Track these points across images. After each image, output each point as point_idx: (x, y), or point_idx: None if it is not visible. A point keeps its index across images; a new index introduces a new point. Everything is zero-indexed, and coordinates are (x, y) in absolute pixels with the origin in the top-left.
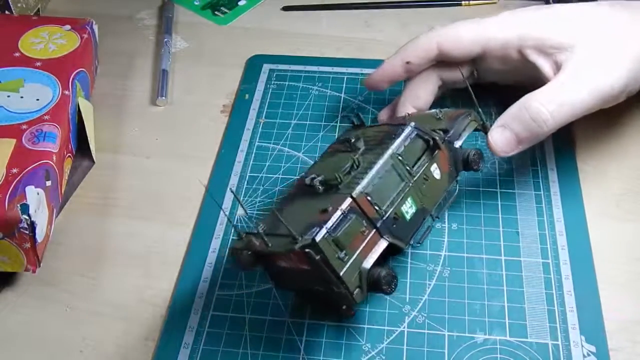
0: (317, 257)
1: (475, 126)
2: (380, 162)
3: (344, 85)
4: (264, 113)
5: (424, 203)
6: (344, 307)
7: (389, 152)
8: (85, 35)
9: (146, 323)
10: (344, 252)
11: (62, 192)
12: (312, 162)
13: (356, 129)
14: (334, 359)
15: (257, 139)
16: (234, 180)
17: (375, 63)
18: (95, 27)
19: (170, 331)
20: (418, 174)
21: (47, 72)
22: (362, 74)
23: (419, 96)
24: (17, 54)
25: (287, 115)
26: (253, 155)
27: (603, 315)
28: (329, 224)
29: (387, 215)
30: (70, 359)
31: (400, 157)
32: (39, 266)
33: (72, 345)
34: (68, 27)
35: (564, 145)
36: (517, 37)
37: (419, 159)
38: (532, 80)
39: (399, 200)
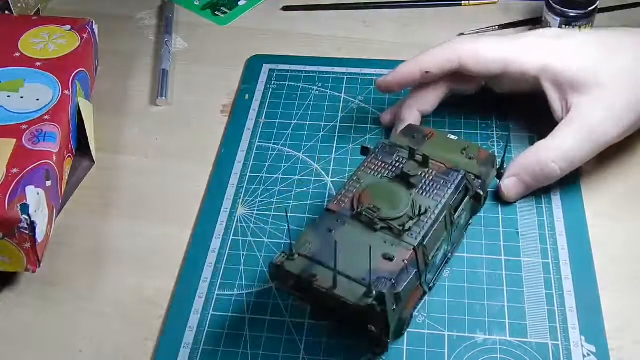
0: (379, 310)
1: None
2: (437, 212)
3: (344, 85)
4: (264, 113)
5: (449, 247)
6: (376, 349)
7: (445, 201)
8: (85, 35)
9: (146, 323)
10: (400, 304)
11: (62, 192)
12: (346, 174)
13: (392, 148)
14: (333, 359)
15: (257, 139)
16: (234, 180)
17: (375, 63)
18: (95, 27)
19: (170, 331)
20: (457, 223)
21: (47, 72)
22: (362, 74)
23: (427, 101)
24: (17, 54)
25: (287, 115)
26: (253, 155)
27: (603, 315)
28: (395, 276)
29: (430, 265)
30: (70, 359)
31: (450, 207)
32: (39, 266)
33: (72, 345)
34: (68, 27)
35: None
36: (540, 67)
37: (458, 206)
38: (538, 94)
39: (437, 248)
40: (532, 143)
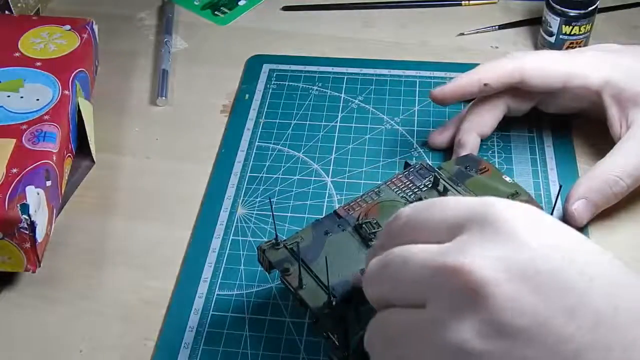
0: (333, 323)
1: None
2: None
3: (344, 85)
4: (264, 113)
5: None
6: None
7: None
8: (85, 35)
9: (146, 323)
10: (361, 323)
11: (62, 192)
12: (370, 186)
13: (428, 172)
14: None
15: (257, 139)
16: (234, 180)
17: (375, 63)
18: (95, 27)
19: (170, 331)
20: None
21: (47, 72)
22: (362, 74)
23: (486, 124)
24: (17, 54)
25: (287, 115)
26: (253, 155)
27: None
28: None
29: None
30: (70, 359)
31: None
32: (39, 266)
33: (72, 345)
34: (68, 27)
35: (564, 146)
36: (603, 82)
37: None
38: (592, 114)
39: None
40: (531, 142)
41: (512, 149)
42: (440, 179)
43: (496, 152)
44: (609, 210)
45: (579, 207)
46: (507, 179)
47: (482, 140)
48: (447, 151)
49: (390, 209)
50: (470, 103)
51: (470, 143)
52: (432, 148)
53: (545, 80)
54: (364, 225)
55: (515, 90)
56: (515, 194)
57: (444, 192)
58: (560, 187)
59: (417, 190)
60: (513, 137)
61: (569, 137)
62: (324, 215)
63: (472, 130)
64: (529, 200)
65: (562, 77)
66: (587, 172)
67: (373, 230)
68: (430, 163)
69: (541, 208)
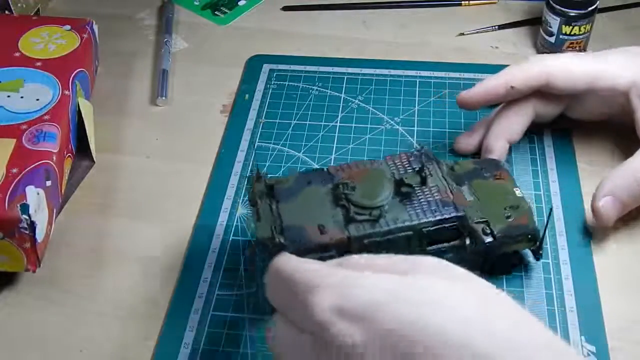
0: (263, 252)
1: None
2: (399, 227)
3: (344, 85)
4: (264, 113)
5: None
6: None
7: (416, 224)
8: (85, 35)
9: (146, 323)
10: None
11: (62, 192)
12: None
13: (429, 159)
14: None
15: (257, 139)
16: (234, 180)
17: (375, 63)
18: (95, 27)
19: (170, 331)
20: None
21: (47, 72)
22: (362, 74)
23: (515, 130)
24: (17, 54)
25: (287, 115)
26: (253, 155)
27: (603, 315)
28: (312, 245)
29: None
30: (70, 359)
31: (423, 234)
32: (39, 266)
33: (72, 345)
34: (68, 27)
35: (563, 145)
36: (630, 82)
37: (438, 240)
38: (619, 119)
39: None
40: (531, 142)
41: (512, 149)
42: (425, 168)
43: None
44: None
45: (606, 205)
46: (518, 192)
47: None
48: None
49: (373, 180)
50: (498, 107)
51: (498, 149)
52: (458, 153)
53: (570, 81)
54: (340, 186)
55: (542, 94)
56: (514, 207)
57: (422, 181)
58: (551, 209)
59: (408, 170)
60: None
61: (569, 137)
62: None
63: (500, 135)
64: (524, 217)
65: (588, 78)
66: (613, 170)
67: (346, 192)
68: (429, 152)
69: (535, 224)
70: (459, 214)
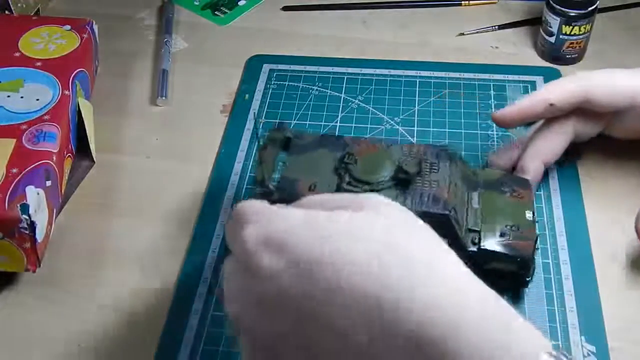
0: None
1: None
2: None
3: (344, 85)
4: (264, 113)
5: None
6: None
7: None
8: (85, 35)
9: (146, 322)
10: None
11: (62, 192)
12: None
13: (446, 155)
14: None
15: (256, 146)
16: (234, 180)
17: (375, 63)
18: (95, 27)
19: (170, 331)
20: None
21: (47, 72)
22: (362, 74)
23: (552, 150)
24: (17, 54)
25: (287, 115)
26: (253, 155)
27: (603, 315)
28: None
29: None
30: (70, 359)
31: None
32: (39, 266)
33: (72, 345)
34: (68, 27)
35: None
36: None
37: None
38: None
39: None
40: None
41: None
42: (426, 162)
43: (496, 152)
44: (610, 210)
45: None
46: (529, 215)
47: (484, 141)
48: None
49: (377, 159)
50: (534, 125)
51: (533, 170)
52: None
53: (611, 97)
54: (345, 156)
55: (581, 112)
56: (516, 228)
57: (417, 172)
58: (537, 237)
59: (414, 160)
60: (513, 137)
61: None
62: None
63: (536, 157)
64: (525, 241)
65: (629, 93)
66: None
67: (348, 162)
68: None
69: (530, 252)
70: (443, 212)
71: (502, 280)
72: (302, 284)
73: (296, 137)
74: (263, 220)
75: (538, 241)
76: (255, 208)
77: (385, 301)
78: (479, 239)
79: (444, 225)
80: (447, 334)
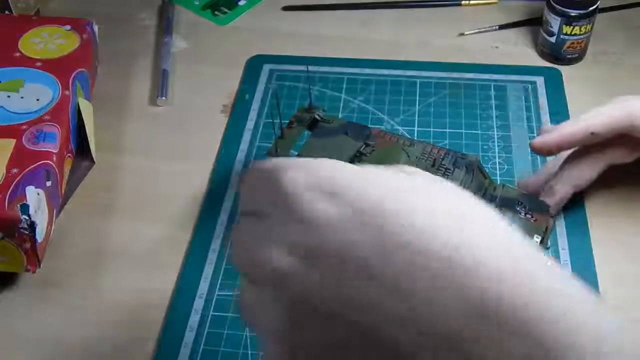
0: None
1: None
2: None
3: (344, 85)
4: (264, 113)
5: None
6: None
7: None
8: (85, 35)
9: (146, 323)
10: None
11: (62, 192)
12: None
13: (461, 162)
14: None
15: (257, 139)
16: (234, 180)
17: (375, 63)
18: (95, 27)
19: (170, 331)
20: None
21: (47, 72)
22: (362, 74)
23: (584, 177)
24: (17, 54)
25: (288, 115)
26: (253, 155)
27: None
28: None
29: None
30: (70, 359)
31: None
32: (39, 266)
33: (72, 345)
34: (68, 27)
35: None
36: None
37: None
38: None
39: None
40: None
41: (512, 149)
42: (438, 168)
43: (496, 152)
44: (610, 210)
45: None
46: (536, 238)
47: (484, 141)
48: None
49: (391, 153)
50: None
51: (560, 194)
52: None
53: None
54: (364, 146)
55: (622, 138)
56: None
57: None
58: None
59: (427, 162)
60: (513, 137)
61: None
62: None
63: (567, 181)
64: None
65: None
66: None
67: (363, 152)
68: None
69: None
70: None
71: None
72: (373, 237)
73: (323, 120)
74: (311, 167)
75: None
76: (293, 160)
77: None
78: None
79: None
80: None
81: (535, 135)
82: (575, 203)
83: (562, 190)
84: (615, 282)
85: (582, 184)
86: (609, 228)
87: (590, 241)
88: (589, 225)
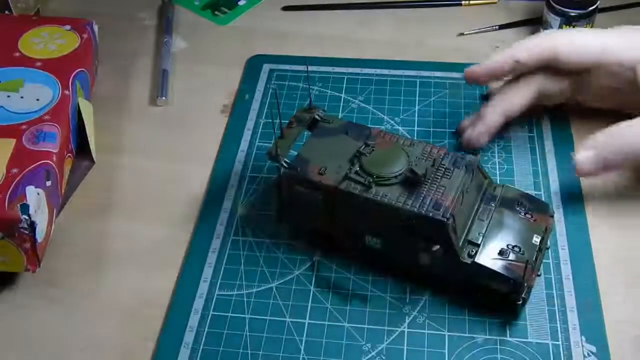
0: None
1: None
2: (372, 197)
3: (344, 85)
4: (264, 113)
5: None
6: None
7: (387, 201)
8: (85, 35)
9: (146, 323)
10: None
11: (62, 192)
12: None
13: (459, 164)
14: (333, 359)
15: (257, 139)
16: (234, 181)
17: (375, 63)
18: (95, 27)
19: (170, 331)
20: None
21: (47, 72)
22: (362, 73)
23: (513, 102)
24: (17, 54)
25: (288, 115)
26: (253, 155)
27: (603, 316)
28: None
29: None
30: (70, 359)
31: (400, 214)
32: (39, 266)
33: (72, 344)
34: (68, 27)
35: (564, 146)
36: (637, 57)
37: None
38: (631, 105)
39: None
40: (532, 143)
41: (512, 149)
42: (437, 167)
43: (496, 152)
44: (610, 210)
45: (583, 159)
46: (536, 239)
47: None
48: None
49: (391, 154)
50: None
51: (489, 118)
52: (459, 134)
53: (579, 55)
54: (362, 147)
55: (547, 70)
56: (518, 250)
57: (423, 175)
58: (535, 262)
59: (427, 163)
60: (513, 137)
61: (569, 137)
62: None
63: (497, 107)
64: (520, 266)
65: (596, 52)
66: (605, 130)
67: (363, 152)
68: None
69: (520, 277)
70: (439, 219)
71: (494, 297)
72: None
73: (323, 120)
74: None
75: (539, 268)
76: None
77: None
78: (476, 253)
79: (439, 232)
80: None
81: (534, 135)
82: (574, 201)
83: (493, 114)
84: (615, 282)
85: (511, 109)
86: (608, 227)
87: (589, 241)
88: (588, 225)
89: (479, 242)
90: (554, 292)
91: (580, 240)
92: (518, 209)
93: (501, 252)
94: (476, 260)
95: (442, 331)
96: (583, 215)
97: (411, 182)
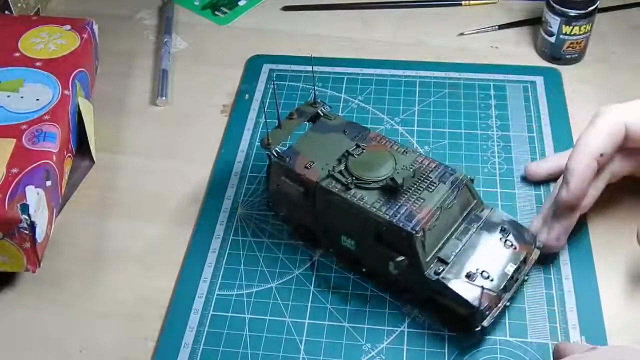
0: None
1: None
2: (350, 198)
3: (344, 85)
4: (264, 113)
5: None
6: None
7: (365, 206)
8: (85, 35)
9: (146, 323)
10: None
11: (62, 192)
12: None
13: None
14: (334, 359)
15: (257, 139)
16: (234, 180)
17: (375, 63)
18: (95, 27)
19: (170, 331)
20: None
21: (47, 72)
22: (362, 74)
23: (589, 199)
24: (17, 54)
25: (285, 114)
26: (253, 155)
27: (603, 315)
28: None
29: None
30: (70, 359)
31: (374, 220)
32: (39, 266)
33: (72, 344)
34: (68, 27)
35: (564, 146)
36: None
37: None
38: None
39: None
40: (532, 143)
41: (512, 149)
42: (420, 179)
43: (496, 152)
44: (610, 210)
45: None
46: (509, 268)
47: (484, 141)
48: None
49: (377, 159)
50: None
51: (571, 219)
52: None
53: None
54: (353, 147)
55: (617, 152)
56: (488, 277)
57: (401, 185)
58: (501, 293)
59: (408, 173)
60: (513, 137)
61: (570, 138)
62: None
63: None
64: (486, 294)
65: None
66: None
67: (351, 153)
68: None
69: (481, 305)
70: (408, 231)
71: (456, 318)
72: None
73: (325, 116)
74: None
75: (509, 298)
76: None
77: None
78: (442, 271)
79: (407, 243)
80: None
81: (534, 135)
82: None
83: (574, 216)
84: (620, 304)
85: (588, 203)
86: (608, 227)
87: (589, 241)
88: (588, 226)
89: (448, 260)
90: (554, 292)
91: (580, 240)
92: (500, 235)
93: (468, 275)
94: (440, 278)
95: (442, 331)
96: (583, 215)
97: (390, 189)
